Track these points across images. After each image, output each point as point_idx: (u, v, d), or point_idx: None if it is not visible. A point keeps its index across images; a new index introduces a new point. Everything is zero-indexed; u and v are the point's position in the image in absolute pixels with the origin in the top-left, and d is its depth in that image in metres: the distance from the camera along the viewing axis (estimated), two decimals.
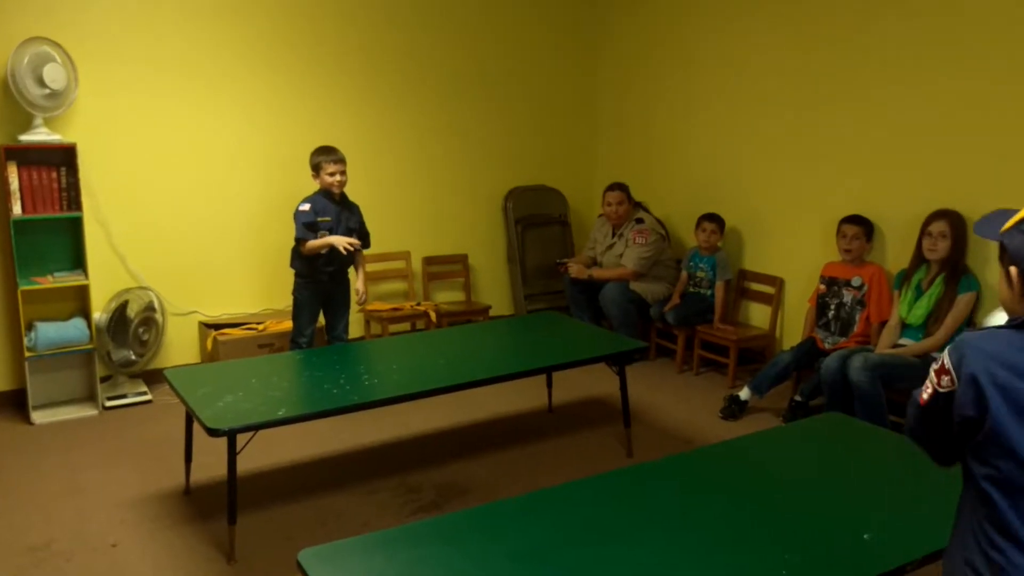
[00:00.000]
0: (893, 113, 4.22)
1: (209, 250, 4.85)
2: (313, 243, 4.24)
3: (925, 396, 1.50)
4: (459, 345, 3.91)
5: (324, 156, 4.30)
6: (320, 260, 4.32)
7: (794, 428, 3.07)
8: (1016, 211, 1.50)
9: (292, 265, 4.38)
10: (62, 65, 4.08)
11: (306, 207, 4.26)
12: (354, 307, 4.78)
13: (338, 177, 4.28)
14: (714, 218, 5.06)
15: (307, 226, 4.24)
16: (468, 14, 5.54)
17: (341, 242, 4.22)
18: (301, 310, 4.40)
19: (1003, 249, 1.50)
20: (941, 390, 1.46)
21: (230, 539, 2.94)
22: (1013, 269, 1.46)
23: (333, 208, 4.32)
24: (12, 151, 4.07)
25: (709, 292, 5.10)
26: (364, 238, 4.52)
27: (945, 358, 1.47)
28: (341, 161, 4.30)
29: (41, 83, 4.02)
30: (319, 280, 4.36)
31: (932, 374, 1.49)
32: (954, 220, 3.82)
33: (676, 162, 5.61)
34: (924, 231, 3.89)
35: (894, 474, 2.47)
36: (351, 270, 4.54)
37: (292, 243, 4.32)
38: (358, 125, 5.24)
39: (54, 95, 4.09)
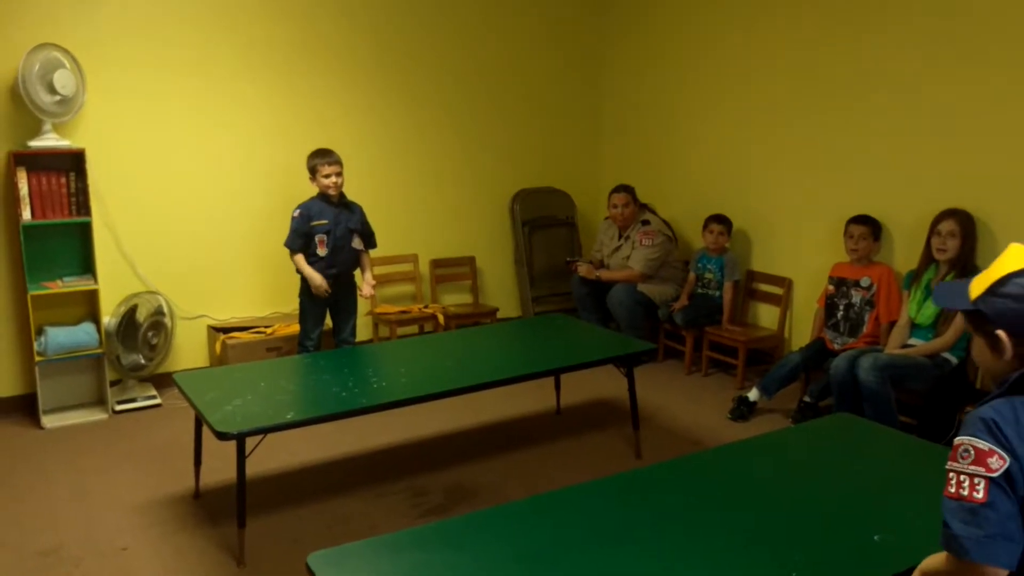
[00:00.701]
0: (900, 113, 4.20)
1: (217, 254, 4.87)
2: (299, 264, 4.30)
3: (980, 495, 1.34)
4: (467, 347, 3.91)
5: (320, 159, 4.30)
6: (322, 263, 4.32)
7: (803, 429, 3.05)
8: (967, 281, 1.49)
9: (297, 269, 4.40)
10: (71, 71, 4.10)
11: (298, 213, 4.28)
12: (362, 310, 4.80)
13: (334, 179, 4.28)
14: (721, 219, 5.05)
15: (299, 233, 4.26)
16: (474, 18, 5.54)
17: (317, 284, 4.27)
18: (306, 313, 4.42)
19: (979, 316, 1.45)
20: (995, 475, 1.33)
21: (239, 543, 2.95)
22: (1002, 333, 1.42)
23: (330, 210, 4.32)
24: (21, 157, 4.09)
25: (717, 293, 5.09)
26: (368, 238, 4.53)
27: (976, 443, 1.35)
28: (337, 163, 4.31)
29: (52, 90, 4.04)
30: None
31: (967, 469, 1.35)
32: (963, 219, 3.80)
33: (683, 163, 5.60)
34: (933, 230, 3.87)
35: (904, 475, 2.45)
36: (356, 272, 4.55)
37: None
38: (365, 129, 5.25)
39: (64, 101, 4.11)
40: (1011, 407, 1.38)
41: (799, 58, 4.70)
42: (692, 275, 5.22)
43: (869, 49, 4.32)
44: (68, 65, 4.09)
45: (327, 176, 4.28)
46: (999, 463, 1.33)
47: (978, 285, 1.47)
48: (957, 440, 1.40)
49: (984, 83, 3.84)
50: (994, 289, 1.43)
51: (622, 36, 5.97)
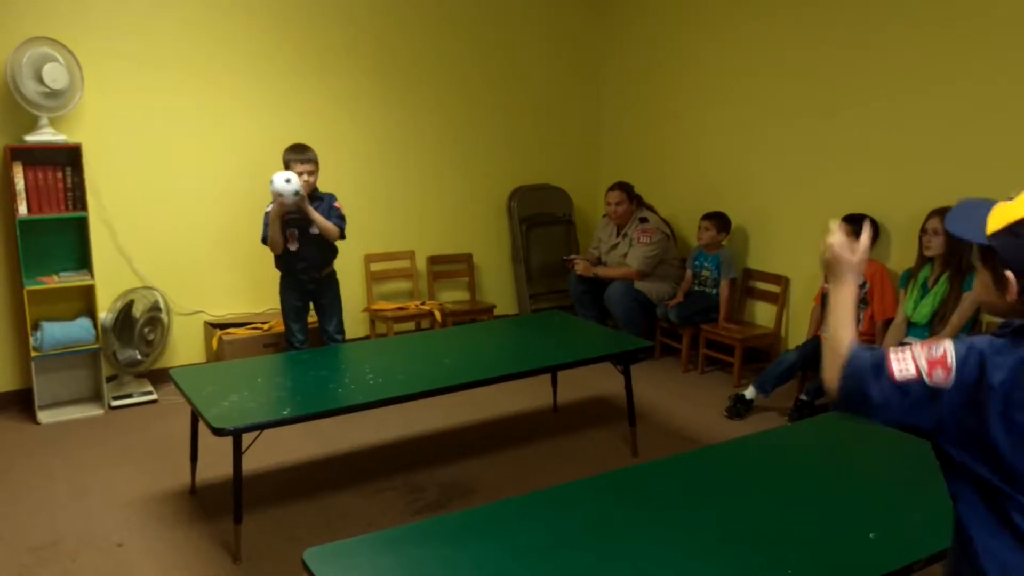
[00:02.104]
0: (897, 113, 4.21)
1: (214, 250, 4.86)
2: (271, 235, 4.21)
3: (901, 374, 1.34)
4: (464, 344, 3.91)
5: (293, 155, 4.28)
6: (293, 257, 4.30)
7: (799, 427, 3.06)
8: (990, 201, 1.40)
9: (276, 266, 4.40)
10: (64, 65, 4.07)
11: (269, 207, 4.24)
12: (357, 307, 4.77)
13: (305, 177, 4.25)
14: (714, 216, 5.05)
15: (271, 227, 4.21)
16: (472, 15, 5.53)
17: (275, 209, 4.09)
18: (285, 309, 4.42)
19: (990, 252, 1.38)
20: (927, 380, 1.33)
21: (236, 538, 2.94)
22: (1010, 274, 1.35)
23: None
24: (17, 151, 4.08)
25: (714, 291, 5.09)
26: (336, 225, 4.35)
27: (947, 353, 1.33)
28: (310, 161, 4.28)
29: (40, 82, 4.02)
30: (299, 279, 4.37)
31: (922, 358, 1.35)
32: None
33: (681, 161, 5.60)
34: (922, 228, 3.92)
35: (900, 473, 2.46)
36: (335, 266, 4.49)
37: None
38: (364, 125, 5.25)
39: (54, 94, 4.08)
40: (1008, 349, 1.33)
41: (797, 58, 4.70)
42: (689, 272, 5.22)
43: (868, 49, 4.32)
44: (61, 59, 4.07)
45: (299, 174, 4.23)
46: (942, 378, 1.32)
47: (997, 219, 1.37)
48: (939, 344, 1.37)
49: (981, 83, 3.85)
50: (1014, 228, 1.34)
51: (621, 34, 5.97)
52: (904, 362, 1.36)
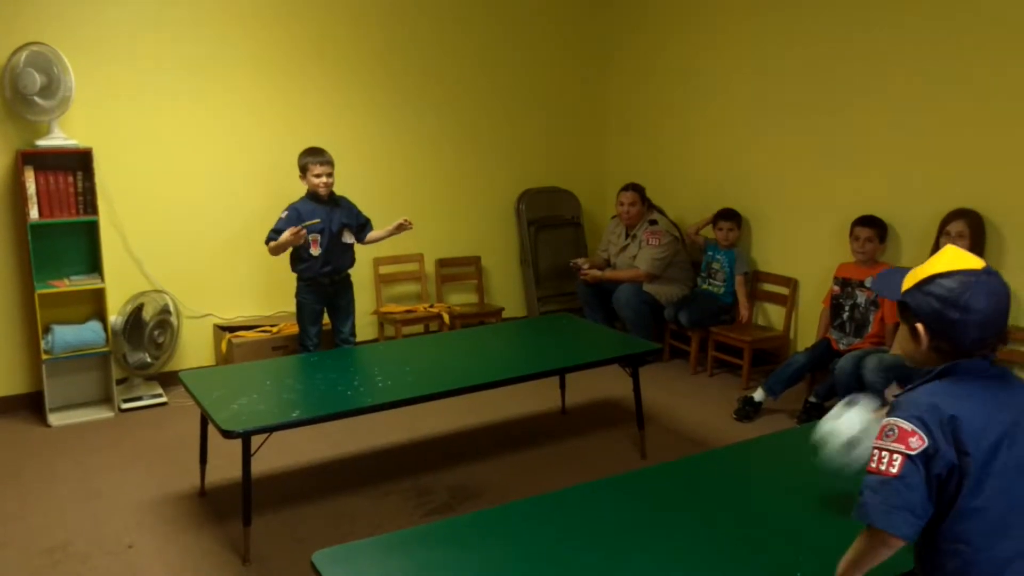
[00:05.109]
0: (907, 112, 4.19)
1: (224, 253, 4.88)
2: (276, 243, 4.21)
3: (895, 469, 1.48)
4: (472, 347, 3.92)
5: (311, 158, 4.30)
6: (316, 263, 4.32)
7: (809, 429, 3.04)
8: (907, 270, 1.64)
9: (293, 269, 4.39)
10: (38, 71, 4.01)
11: (286, 214, 4.23)
12: (366, 309, 4.77)
13: (324, 179, 4.27)
14: (730, 216, 5.05)
15: (280, 232, 4.18)
16: (480, 18, 5.55)
17: (295, 232, 4.12)
18: (303, 313, 4.41)
19: (905, 307, 1.60)
20: (912, 453, 1.47)
21: (245, 541, 2.95)
22: (921, 327, 1.56)
23: (321, 210, 4.29)
24: (29, 156, 4.10)
25: (722, 289, 5.08)
26: (362, 228, 4.49)
27: (901, 423, 1.49)
28: (328, 163, 4.30)
29: (15, 89, 4.03)
30: (320, 283, 4.37)
31: (888, 446, 1.49)
32: (972, 220, 3.79)
33: (689, 163, 5.59)
34: (942, 231, 3.86)
35: None
36: (351, 271, 4.51)
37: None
38: (372, 128, 5.26)
39: (28, 102, 4.05)
40: (940, 390, 1.54)
41: (806, 57, 4.69)
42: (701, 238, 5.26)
43: (878, 48, 4.30)
44: (42, 63, 4.02)
45: (318, 176, 4.26)
46: (919, 443, 1.47)
47: (910, 279, 1.61)
48: (885, 421, 1.52)
49: (995, 83, 3.82)
50: (921, 286, 1.57)
51: (627, 35, 5.97)
52: (880, 462, 1.50)
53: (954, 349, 1.55)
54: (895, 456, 1.48)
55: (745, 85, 5.09)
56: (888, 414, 1.53)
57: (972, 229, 3.77)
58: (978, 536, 1.51)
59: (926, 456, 1.46)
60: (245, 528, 2.94)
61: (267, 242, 4.26)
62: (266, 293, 5.02)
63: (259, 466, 3.31)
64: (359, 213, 4.49)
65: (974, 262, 1.56)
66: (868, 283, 4.23)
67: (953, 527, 1.52)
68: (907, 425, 1.48)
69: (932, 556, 1.58)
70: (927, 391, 1.54)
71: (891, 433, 1.49)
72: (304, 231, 4.15)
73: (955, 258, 1.57)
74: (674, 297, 5.20)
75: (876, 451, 1.51)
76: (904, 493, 1.47)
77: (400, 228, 4.42)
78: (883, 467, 1.49)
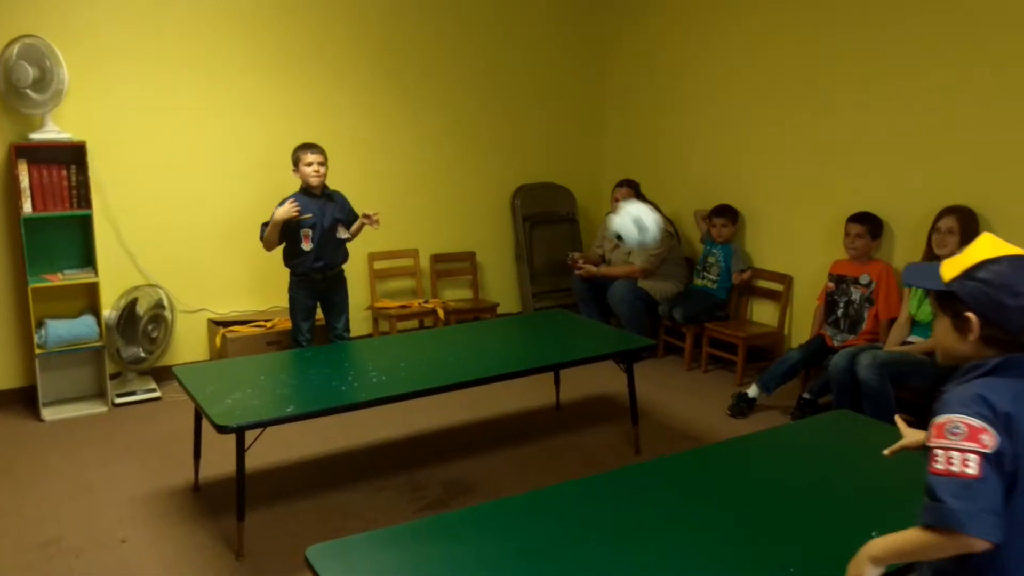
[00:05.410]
0: (901, 110, 4.20)
1: (218, 248, 4.87)
2: (267, 234, 4.21)
3: (973, 470, 1.37)
4: (467, 342, 3.91)
5: (303, 149, 4.27)
6: (308, 257, 4.31)
7: (802, 426, 3.06)
8: (935, 263, 1.58)
9: (286, 263, 4.38)
10: (31, 64, 3.99)
11: (277, 208, 4.22)
12: (360, 304, 4.76)
13: (316, 167, 4.22)
14: (726, 212, 5.06)
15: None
16: (476, 13, 5.53)
17: (286, 209, 4.13)
18: (295, 308, 4.40)
19: (950, 297, 1.52)
20: (987, 451, 1.37)
21: (239, 535, 2.95)
22: (972, 315, 1.49)
23: (314, 204, 4.27)
24: (22, 149, 4.09)
25: (716, 284, 5.09)
26: (355, 220, 4.48)
27: (967, 420, 1.39)
28: (320, 153, 4.26)
29: (8, 81, 4.01)
30: (312, 279, 4.36)
31: (958, 445, 1.39)
32: (963, 216, 3.80)
33: (684, 159, 5.59)
34: (934, 227, 3.88)
35: (903, 471, 2.45)
36: (345, 267, 4.50)
37: None
38: (368, 123, 5.25)
39: (21, 95, 4.04)
40: (992, 386, 1.44)
41: (801, 53, 4.69)
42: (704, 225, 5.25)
43: (873, 45, 4.31)
44: (35, 56, 4.00)
45: (309, 164, 4.21)
46: (991, 440, 1.38)
47: (950, 268, 1.53)
48: (943, 419, 1.42)
49: (988, 80, 3.83)
50: (969, 273, 1.50)
51: (624, 31, 5.96)
52: (951, 463, 1.39)
53: (1007, 336, 1.47)
54: (969, 456, 1.37)
55: (741, 82, 5.09)
56: (939, 411, 1.45)
57: (962, 225, 3.77)
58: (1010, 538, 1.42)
59: (998, 454, 1.38)
60: (239, 523, 2.94)
61: (261, 237, 4.25)
62: (260, 288, 5.01)
63: (253, 461, 3.31)
64: (352, 209, 4.48)
65: (1013, 248, 1.50)
66: (863, 279, 4.24)
67: None
68: (975, 422, 1.39)
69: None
70: (982, 385, 1.45)
71: (957, 431, 1.39)
72: (297, 204, 4.13)
73: (996, 245, 1.51)
74: (669, 293, 5.21)
75: (942, 451, 1.40)
76: (990, 495, 1.37)
77: (366, 221, 4.36)
78: (956, 468, 1.38)
